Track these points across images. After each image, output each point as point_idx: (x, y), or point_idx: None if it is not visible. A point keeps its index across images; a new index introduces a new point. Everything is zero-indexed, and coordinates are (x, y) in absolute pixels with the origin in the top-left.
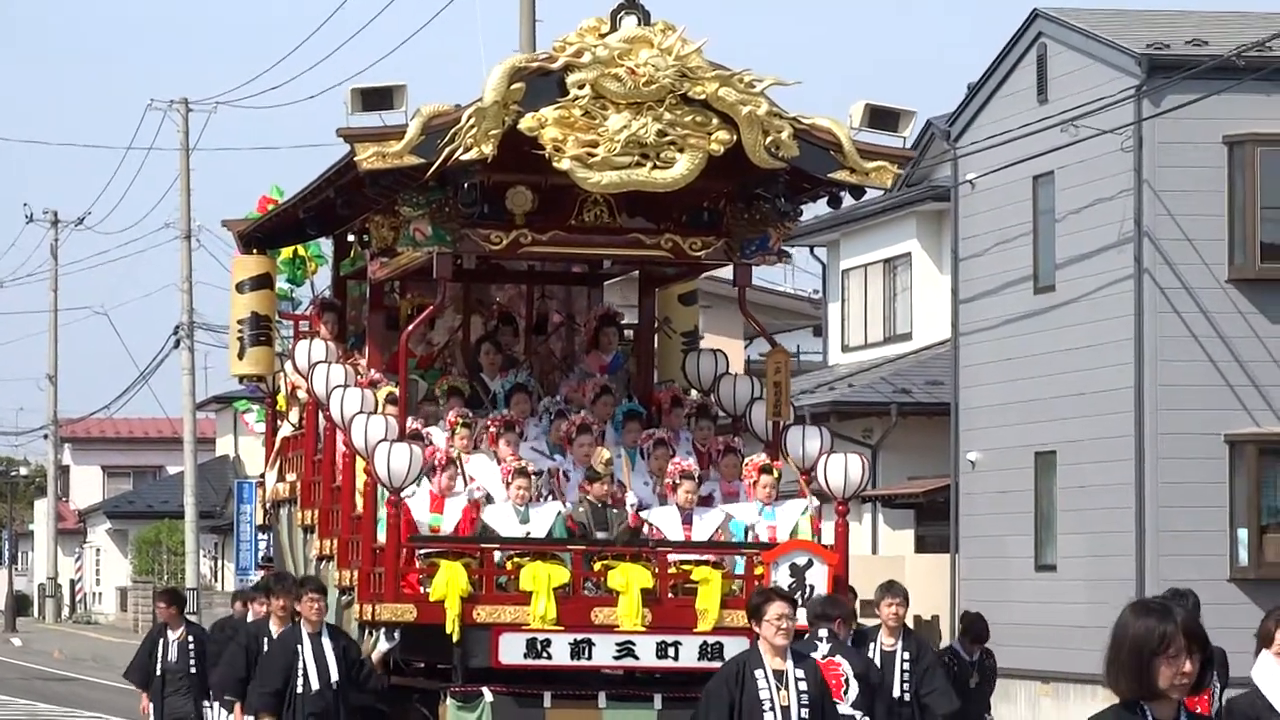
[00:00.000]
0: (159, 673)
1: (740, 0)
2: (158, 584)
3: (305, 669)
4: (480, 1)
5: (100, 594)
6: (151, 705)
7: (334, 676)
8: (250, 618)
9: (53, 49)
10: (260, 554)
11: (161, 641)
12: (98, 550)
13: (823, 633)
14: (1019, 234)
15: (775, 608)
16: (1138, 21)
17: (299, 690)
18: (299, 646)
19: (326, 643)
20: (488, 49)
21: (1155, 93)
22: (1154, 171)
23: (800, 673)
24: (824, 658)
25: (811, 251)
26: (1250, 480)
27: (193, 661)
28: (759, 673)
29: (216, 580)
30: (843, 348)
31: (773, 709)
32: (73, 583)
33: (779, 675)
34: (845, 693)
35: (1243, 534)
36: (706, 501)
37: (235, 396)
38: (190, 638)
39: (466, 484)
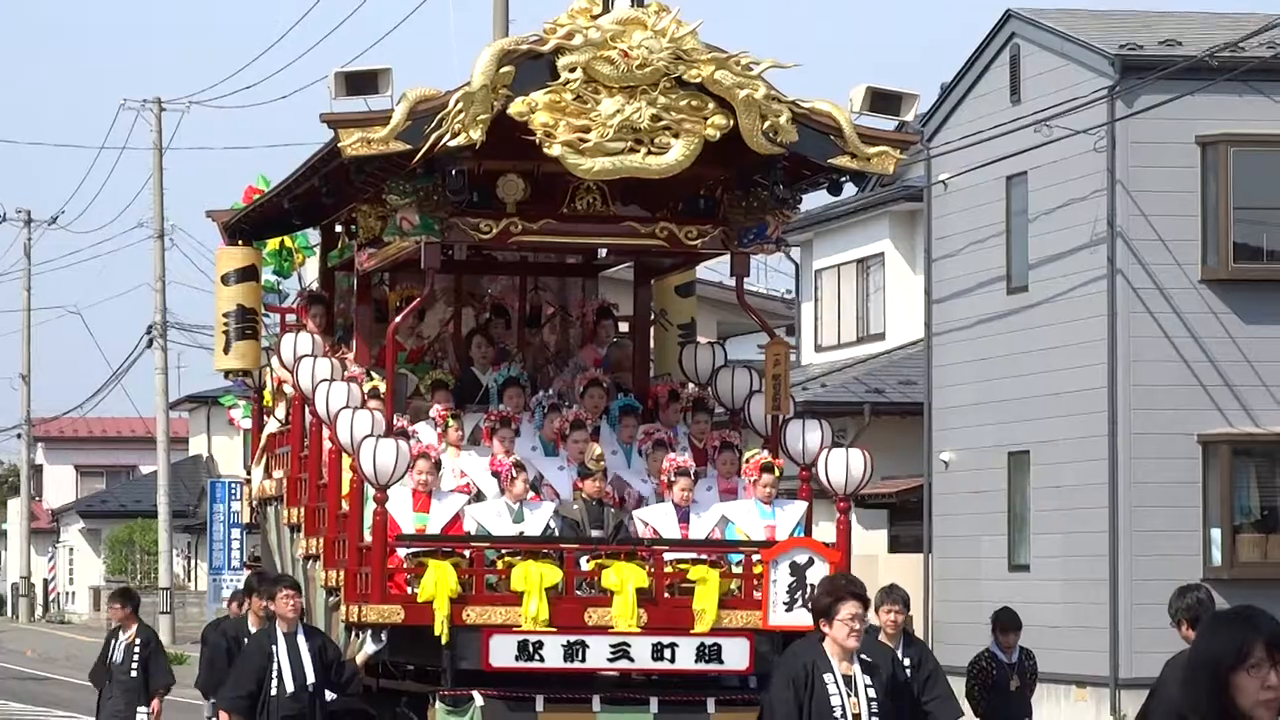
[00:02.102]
0: (108, 674)
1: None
2: (131, 583)
3: (279, 671)
4: (454, 1)
5: (73, 593)
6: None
7: (309, 679)
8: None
9: (25, 48)
10: (247, 553)
11: (113, 643)
12: (71, 550)
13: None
14: (992, 234)
15: (848, 607)
16: (1111, 22)
17: (273, 693)
18: (273, 648)
19: (302, 643)
20: (461, 49)
21: (1128, 93)
22: (1127, 172)
23: (868, 679)
24: None
25: (785, 251)
26: (1223, 480)
27: (135, 664)
28: (828, 677)
29: (190, 580)
30: (816, 348)
31: (844, 716)
32: (46, 582)
33: (847, 680)
34: None
35: (1216, 534)
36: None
37: (208, 395)
38: (138, 640)
39: (456, 478)
